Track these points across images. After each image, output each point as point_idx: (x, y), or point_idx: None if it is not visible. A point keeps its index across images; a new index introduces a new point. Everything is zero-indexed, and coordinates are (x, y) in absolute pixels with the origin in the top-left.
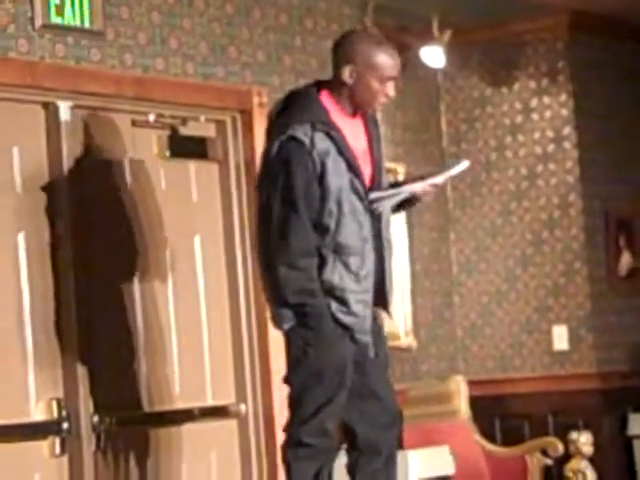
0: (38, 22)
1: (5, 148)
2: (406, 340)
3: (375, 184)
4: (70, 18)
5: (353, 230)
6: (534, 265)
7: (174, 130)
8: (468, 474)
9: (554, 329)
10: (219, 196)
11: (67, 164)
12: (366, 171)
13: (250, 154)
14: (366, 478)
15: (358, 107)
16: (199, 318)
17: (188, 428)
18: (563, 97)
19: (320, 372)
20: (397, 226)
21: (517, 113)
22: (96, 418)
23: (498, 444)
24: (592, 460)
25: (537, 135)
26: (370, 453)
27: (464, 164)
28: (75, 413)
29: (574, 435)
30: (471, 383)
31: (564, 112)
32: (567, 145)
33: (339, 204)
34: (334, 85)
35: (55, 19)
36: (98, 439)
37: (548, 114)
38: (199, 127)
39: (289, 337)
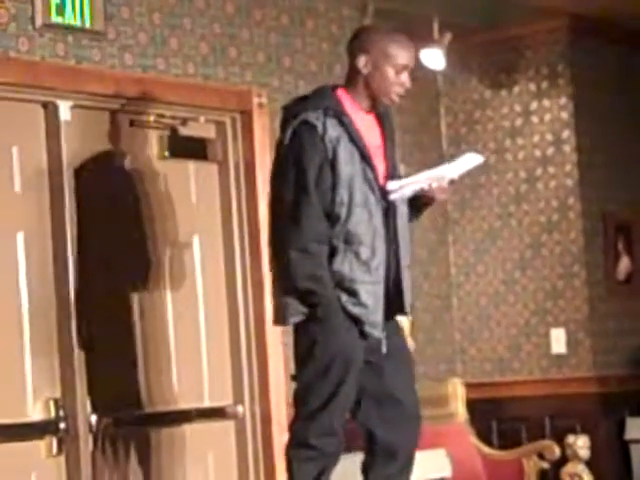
0: (39, 21)
1: (5, 147)
2: None
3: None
4: (71, 18)
5: (364, 220)
6: (532, 268)
7: (174, 130)
8: (465, 477)
9: (552, 332)
10: (218, 197)
11: (67, 164)
12: (380, 168)
13: (250, 155)
14: None
15: (374, 98)
16: (197, 319)
17: (185, 429)
18: (563, 100)
19: (326, 366)
20: None
21: (517, 116)
22: (93, 418)
23: (495, 447)
24: (589, 464)
25: (536, 138)
26: (387, 457)
27: (478, 158)
28: (72, 413)
29: (571, 439)
30: (468, 386)
31: (564, 115)
32: (566, 148)
33: (350, 193)
34: (349, 78)
35: (56, 19)
36: (95, 439)
37: (548, 117)
38: (199, 127)
39: (297, 333)
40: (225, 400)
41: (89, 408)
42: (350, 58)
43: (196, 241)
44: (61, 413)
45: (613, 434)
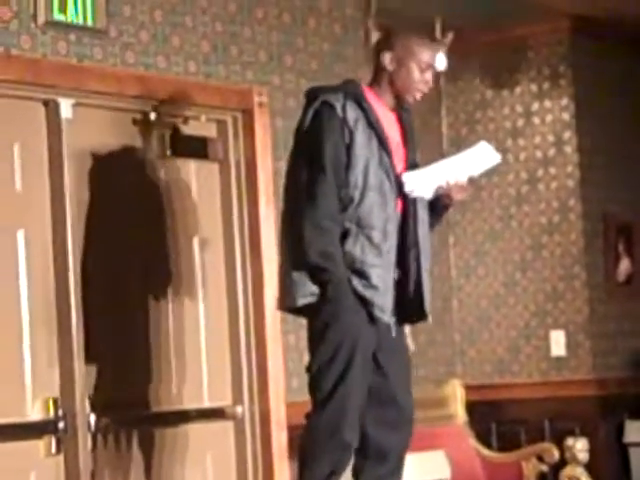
0: (41, 19)
1: (6, 145)
2: None
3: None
4: (73, 16)
5: (377, 204)
6: (533, 270)
7: (175, 129)
8: (463, 479)
9: (552, 334)
10: (219, 196)
11: (67, 162)
12: (399, 166)
13: (251, 154)
14: None
15: (398, 95)
16: (197, 319)
17: (184, 429)
18: (564, 101)
19: (335, 349)
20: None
21: (518, 117)
22: (92, 418)
23: (494, 449)
24: (588, 467)
25: (538, 139)
26: (378, 458)
27: (496, 156)
28: (71, 413)
29: (570, 441)
30: (468, 388)
31: (565, 116)
32: (568, 149)
33: (365, 176)
34: (374, 76)
35: (58, 16)
36: (94, 439)
37: (549, 118)
38: (200, 126)
39: (309, 319)
40: (224, 400)
41: (88, 408)
42: (375, 57)
43: (196, 240)
44: (60, 412)
45: (612, 437)
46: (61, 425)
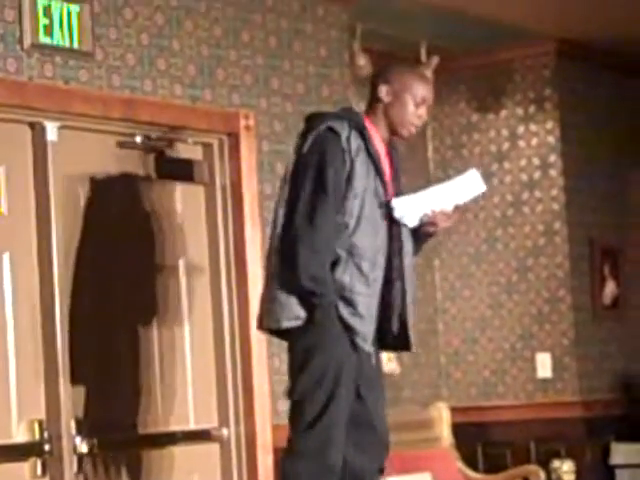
0: (27, 42)
1: None
2: (389, 365)
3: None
4: (59, 38)
5: (368, 234)
6: (518, 292)
7: (161, 152)
8: None
9: (538, 356)
10: (205, 218)
11: (53, 185)
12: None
13: (236, 177)
14: None
15: (392, 128)
16: (183, 341)
17: (170, 451)
18: (550, 125)
19: (321, 374)
20: None
21: (504, 140)
22: (78, 440)
23: (480, 471)
24: None
25: (523, 162)
26: None
27: (481, 186)
28: (57, 435)
29: (556, 463)
30: (454, 410)
31: (550, 140)
32: (553, 173)
33: (361, 205)
34: (370, 107)
35: (44, 39)
36: (80, 461)
37: (534, 141)
38: (186, 149)
39: (292, 342)
40: (210, 423)
41: (74, 430)
42: (372, 88)
43: (182, 263)
44: (46, 435)
45: (598, 459)
46: (47, 447)
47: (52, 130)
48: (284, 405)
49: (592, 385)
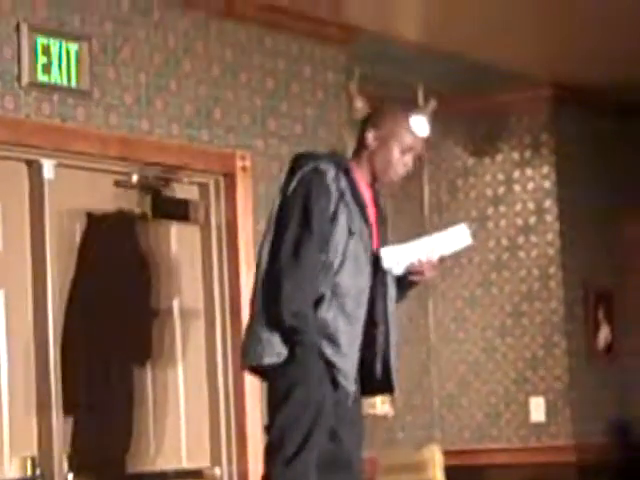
0: (25, 80)
1: None
2: (382, 408)
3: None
4: (57, 77)
5: (353, 274)
6: (513, 336)
7: (157, 191)
8: None
9: (531, 400)
10: (200, 258)
11: (49, 222)
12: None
13: (232, 217)
14: None
15: (376, 175)
16: (176, 380)
17: None
18: (545, 169)
19: (300, 411)
20: None
21: (499, 184)
22: (70, 477)
23: None
24: None
25: (519, 207)
26: None
27: (468, 238)
28: (49, 472)
29: None
30: (447, 453)
31: (546, 184)
32: (548, 217)
33: (346, 246)
34: (356, 151)
35: (42, 77)
36: None
37: (530, 186)
38: (182, 189)
39: (271, 379)
40: (202, 462)
41: (66, 467)
42: (360, 132)
43: (177, 303)
44: (37, 472)
45: None
46: None
47: (49, 168)
48: None
49: (586, 430)
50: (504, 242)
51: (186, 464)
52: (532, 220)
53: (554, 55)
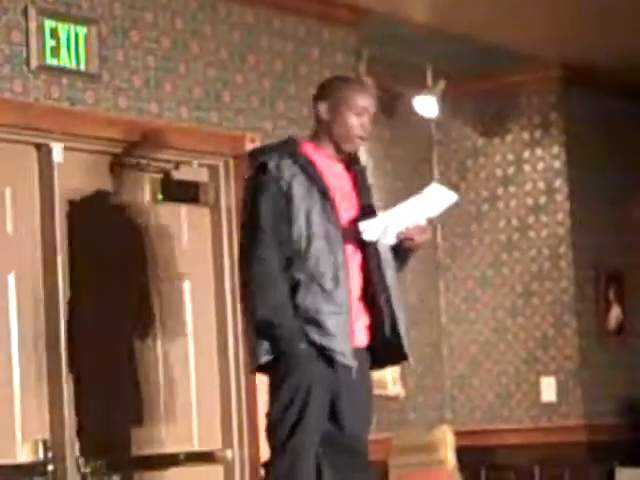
0: (33, 63)
1: None
2: (394, 388)
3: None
4: (66, 60)
5: (324, 253)
6: (523, 316)
7: (167, 174)
8: None
9: (542, 380)
10: (210, 241)
11: (59, 205)
12: (350, 213)
13: (242, 199)
14: None
15: (338, 145)
16: (187, 362)
17: (174, 473)
18: (555, 149)
19: (290, 399)
20: None
21: (509, 164)
22: (82, 461)
23: None
24: None
25: (529, 187)
26: None
27: (451, 196)
28: (61, 455)
29: None
30: (458, 433)
31: (556, 164)
32: (559, 197)
33: (308, 225)
34: (314, 129)
35: (50, 60)
36: None
37: (540, 166)
38: (191, 171)
39: (270, 373)
40: (214, 444)
41: (77, 450)
42: (314, 109)
43: (187, 285)
44: (49, 455)
45: None
46: (50, 467)
47: (58, 151)
48: None
49: (596, 409)
50: (514, 222)
51: (197, 447)
52: (542, 200)
53: (563, 36)
